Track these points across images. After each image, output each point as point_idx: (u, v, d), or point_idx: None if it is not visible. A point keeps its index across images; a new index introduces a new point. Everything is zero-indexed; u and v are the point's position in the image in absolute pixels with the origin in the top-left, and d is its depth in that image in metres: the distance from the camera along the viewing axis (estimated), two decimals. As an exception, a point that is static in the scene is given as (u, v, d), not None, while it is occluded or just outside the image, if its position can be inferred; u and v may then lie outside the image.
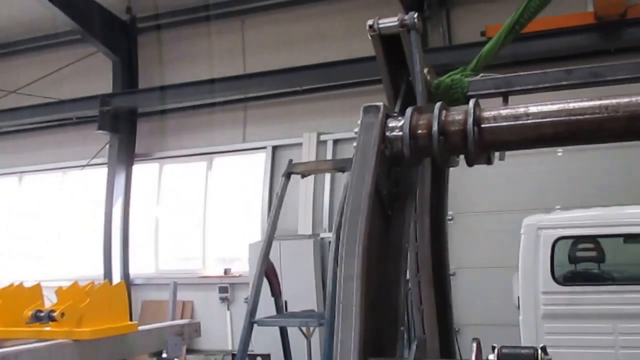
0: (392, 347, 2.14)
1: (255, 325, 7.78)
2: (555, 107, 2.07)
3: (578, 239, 7.59)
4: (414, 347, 1.96)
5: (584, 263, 7.79)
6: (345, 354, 1.83)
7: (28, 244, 14.91)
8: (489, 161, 2.43)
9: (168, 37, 13.60)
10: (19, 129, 14.82)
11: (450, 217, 10.29)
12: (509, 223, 8.31)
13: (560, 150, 10.09)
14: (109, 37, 13.08)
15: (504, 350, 1.88)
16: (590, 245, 7.59)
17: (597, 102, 2.00)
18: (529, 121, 2.07)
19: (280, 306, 8.41)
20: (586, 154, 9.82)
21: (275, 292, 8.36)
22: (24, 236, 14.69)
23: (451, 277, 9.30)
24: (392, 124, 2.16)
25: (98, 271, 12.73)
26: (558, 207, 9.27)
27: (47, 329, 3.88)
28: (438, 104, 2.16)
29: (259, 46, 12.73)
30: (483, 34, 9.33)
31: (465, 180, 10.10)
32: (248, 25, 12.94)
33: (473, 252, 10.46)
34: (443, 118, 2.12)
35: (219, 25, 13.04)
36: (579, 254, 7.66)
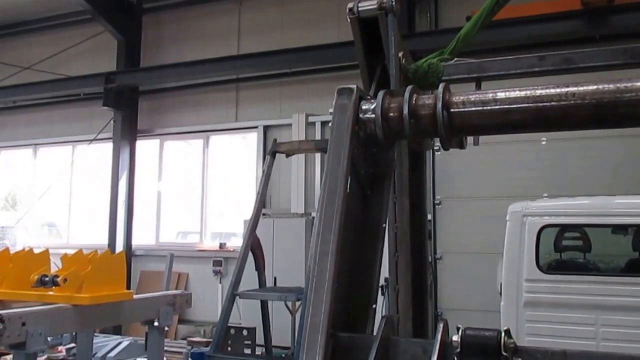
0: (363, 324, 2.07)
1: (246, 300, 7.69)
2: (522, 94, 1.90)
3: (564, 228, 6.72)
4: (382, 324, 1.84)
5: (569, 252, 6.94)
6: (315, 327, 1.72)
7: (41, 213, 14.46)
8: (461, 145, 2.29)
9: (170, 17, 13.03)
10: (33, 103, 14.30)
11: (437, 202, 9.69)
12: (497, 209, 7.50)
13: (544, 139, 9.31)
14: (117, 17, 12.58)
15: (467, 332, 1.74)
16: (577, 235, 6.71)
17: (564, 89, 1.84)
18: (497, 107, 1.92)
19: (263, 280, 8.06)
20: (575, 143, 9.01)
21: (260, 266, 8.01)
22: (37, 205, 14.12)
23: (438, 260, 8.53)
24: (365, 106, 2.03)
25: (103, 240, 12.22)
26: (545, 195, 8.36)
27: (51, 293, 3.79)
28: (409, 88, 2.01)
29: (253, 28, 12.08)
30: (469, 19, 8.25)
31: (453, 166, 9.46)
32: (245, 7, 12.25)
33: (460, 236, 9.76)
34: (414, 102, 1.99)
35: (218, 6, 12.43)
36: (565, 242, 6.81)
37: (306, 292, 6.62)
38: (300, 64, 11.05)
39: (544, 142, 9.32)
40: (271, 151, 7.82)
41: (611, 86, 1.77)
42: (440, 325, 1.77)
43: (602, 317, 5.99)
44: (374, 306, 2.12)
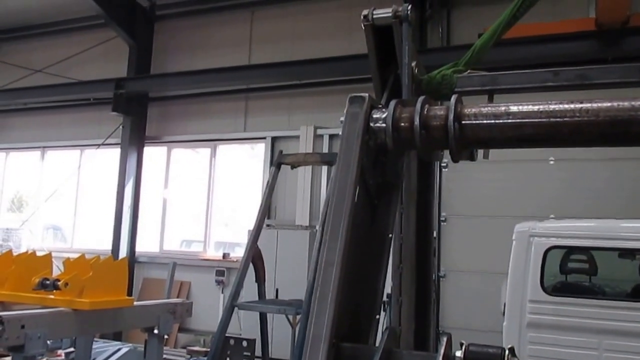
0: (366, 335, 2.02)
1: (247, 311, 7.63)
2: (535, 108, 1.87)
3: (571, 250, 6.63)
4: (384, 336, 1.81)
5: (575, 275, 6.86)
6: (317, 337, 1.71)
7: (46, 216, 14.53)
8: (472, 157, 2.23)
9: (182, 25, 13.04)
10: (43, 106, 14.35)
11: (443, 219, 9.58)
12: (503, 228, 7.42)
13: (552, 159, 9.23)
14: (130, 23, 12.66)
15: (471, 348, 1.71)
16: (583, 257, 6.62)
17: (578, 105, 1.81)
18: (509, 120, 1.90)
19: (263, 292, 7.93)
20: (584, 164, 8.98)
21: (260, 278, 7.87)
22: (43, 208, 14.15)
23: (441, 278, 8.47)
24: (376, 115, 1.99)
25: (108, 246, 12.28)
26: (552, 216, 8.29)
27: (51, 296, 3.78)
28: (421, 98, 1.98)
29: (264, 38, 12.09)
30: (481, 35, 8.25)
31: (460, 183, 9.38)
32: (257, 17, 12.28)
33: (464, 255, 9.65)
34: (425, 112, 1.96)
35: (230, 16, 12.48)
36: (571, 264, 6.71)
37: (306, 304, 6.66)
38: (310, 76, 11.00)
39: (552, 162, 9.23)
40: (276, 162, 7.75)
41: (626, 104, 1.74)
42: (444, 339, 1.74)
43: (606, 341, 5.90)
44: (377, 317, 2.09)
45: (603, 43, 8.73)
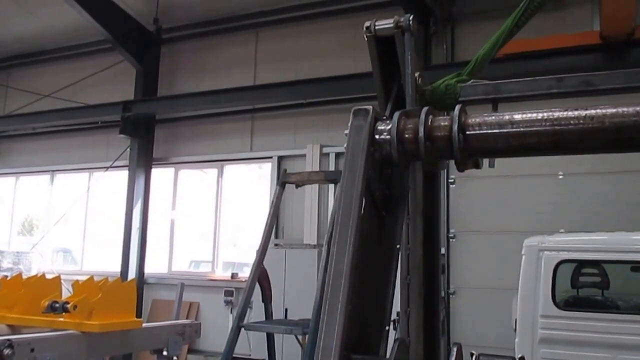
0: (376, 346, 2.01)
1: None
2: (539, 116, 1.85)
3: (581, 264, 6.54)
4: (395, 347, 1.83)
5: (586, 289, 6.74)
6: (328, 349, 1.69)
7: (56, 239, 14.53)
8: (477, 165, 2.21)
9: (187, 47, 13.15)
10: (52, 130, 14.45)
11: (452, 235, 9.49)
12: (512, 244, 7.35)
13: (561, 173, 9.14)
14: (136, 47, 12.76)
15: (482, 358, 1.69)
16: (594, 271, 6.52)
17: (583, 112, 1.78)
18: (513, 129, 1.89)
19: (270, 312, 7.95)
20: (593, 177, 8.92)
21: (266, 298, 7.90)
22: (53, 231, 14.16)
23: (451, 295, 8.37)
24: (380, 127, 2.00)
25: (117, 268, 12.27)
26: (562, 230, 8.18)
27: (61, 319, 3.73)
28: (424, 109, 1.98)
29: (269, 59, 12.15)
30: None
31: (468, 199, 9.30)
32: (261, 38, 12.36)
33: (474, 271, 9.54)
34: (429, 123, 1.96)
35: (235, 37, 12.56)
36: (582, 278, 6.60)
37: (314, 323, 6.59)
38: (316, 95, 11.02)
39: (560, 176, 9.15)
40: (280, 182, 7.74)
41: (630, 109, 1.72)
42: (454, 350, 1.70)
43: (620, 356, 5.81)
44: (387, 328, 2.09)
45: (608, 55, 8.66)
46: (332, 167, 10.79)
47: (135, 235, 12.35)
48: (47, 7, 12.74)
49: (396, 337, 2.03)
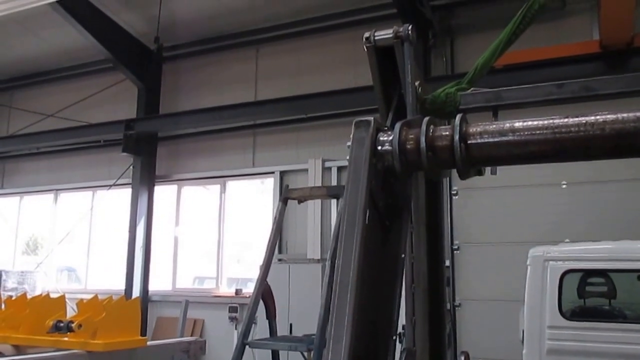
0: (383, 356, 2.05)
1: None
2: (540, 124, 1.86)
3: (587, 273, 6.45)
4: (402, 356, 1.86)
5: (593, 298, 6.64)
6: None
7: (60, 258, 14.55)
8: (479, 173, 2.23)
9: (188, 65, 13.24)
10: (55, 149, 14.56)
11: (456, 247, 9.43)
12: (517, 254, 7.30)
13: (564, 183, 9.12)
14: (138, 66, 12.85)
15: None
16: (601, 280, 6.43)
17: (583, 119, 1.79)
18: (514, 138, 1.89)
19: (274, 329, 7.91)
20: (596, 186, 8.88)
21: (270, 315, 7.85)
22: (57, 250, 14.20)
23: (457, 308, 8.29)
24: (382, 138, 1.99)
25: (121, 286, 12.21)
26: (567, 239, 8.13)
27: (65, 339, 3.77)
28: (425, 119, 1.98)
29: (270, 74, 12.18)
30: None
31: (471, 211, 9.25)
32: (262, 54, 12.41)
33: (479, 283, 9.48)
34: (430, 133, 1.96)
35: (235, 54, 12.63)
36: (589, 288, 6.51)
37: (318, 339, 6.55)
38: (317, 110, 11.03)
39: (564, 186, 9.12)
40: (282, 197, 7.73)
41: (631, 115, 1.72)
42: (462, 357, 1.68)
43: (629, 366, 5.72)
44: (394, 338, 2.10)
45: (608, 64, 8.67)
46: (334, 181, 10.80)
47: (139, 253, 12.34)
48: (49, 28, 12.83)
49: (402, 348, 2.02)
